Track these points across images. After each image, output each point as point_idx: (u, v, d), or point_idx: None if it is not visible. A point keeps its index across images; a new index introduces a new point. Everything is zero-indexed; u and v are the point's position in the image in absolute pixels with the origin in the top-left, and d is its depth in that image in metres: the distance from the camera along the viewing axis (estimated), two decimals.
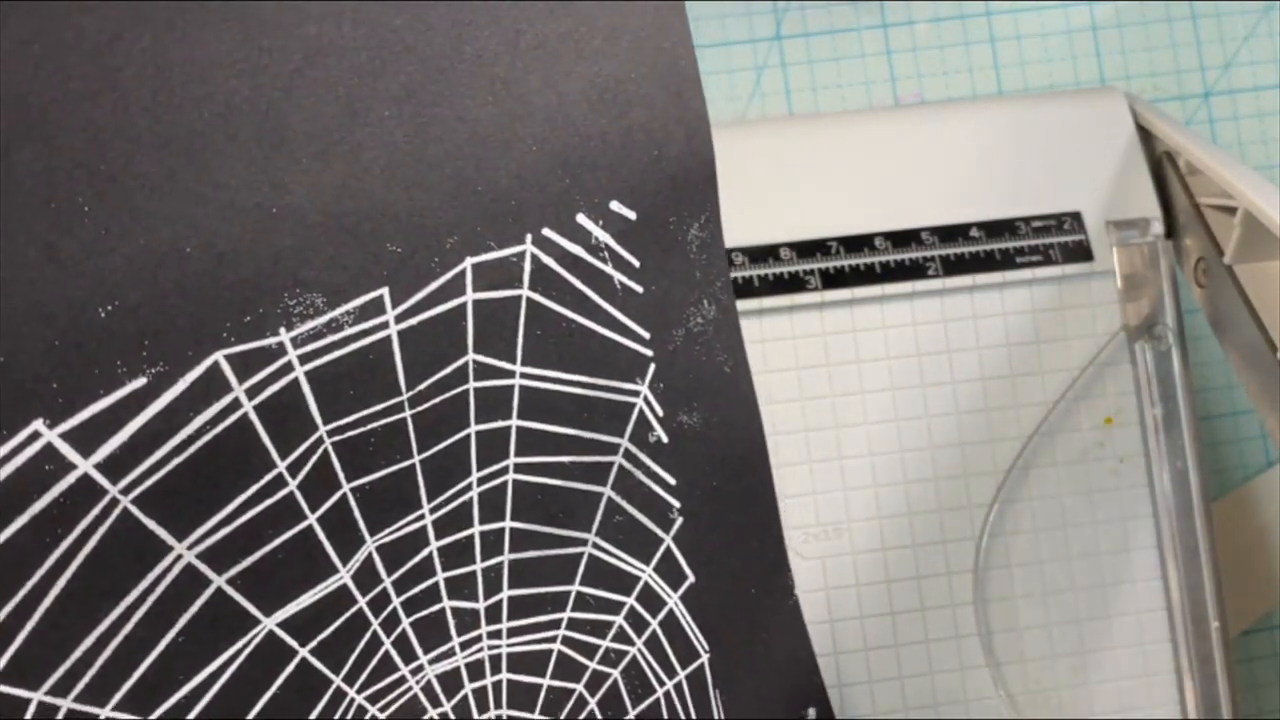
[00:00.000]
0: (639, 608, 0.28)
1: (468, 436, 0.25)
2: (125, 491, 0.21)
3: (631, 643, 0.28)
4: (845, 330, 0.32)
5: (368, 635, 0.25)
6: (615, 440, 0.27)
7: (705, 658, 0.29)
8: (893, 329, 0.32)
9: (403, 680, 0.26)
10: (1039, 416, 0.32)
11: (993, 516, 0.32)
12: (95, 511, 0.21)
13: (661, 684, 0.29)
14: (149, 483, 0.22)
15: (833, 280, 0.32)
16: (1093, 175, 0.33)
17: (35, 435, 0.20)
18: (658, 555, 0.28)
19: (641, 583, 0.28)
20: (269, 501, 0.23)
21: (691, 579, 0.29)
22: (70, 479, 0.21)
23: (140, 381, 0.21)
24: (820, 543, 0.31)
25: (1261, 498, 0.36)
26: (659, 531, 0.28)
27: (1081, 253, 0.32)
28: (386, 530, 0.25)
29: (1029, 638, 0.32)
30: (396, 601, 0.26)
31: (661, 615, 0.29)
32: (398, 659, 0.26)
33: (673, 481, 0.28)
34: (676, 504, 0.28)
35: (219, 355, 0.22)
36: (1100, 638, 0.32)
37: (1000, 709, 0.31)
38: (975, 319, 0.32)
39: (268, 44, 0.21)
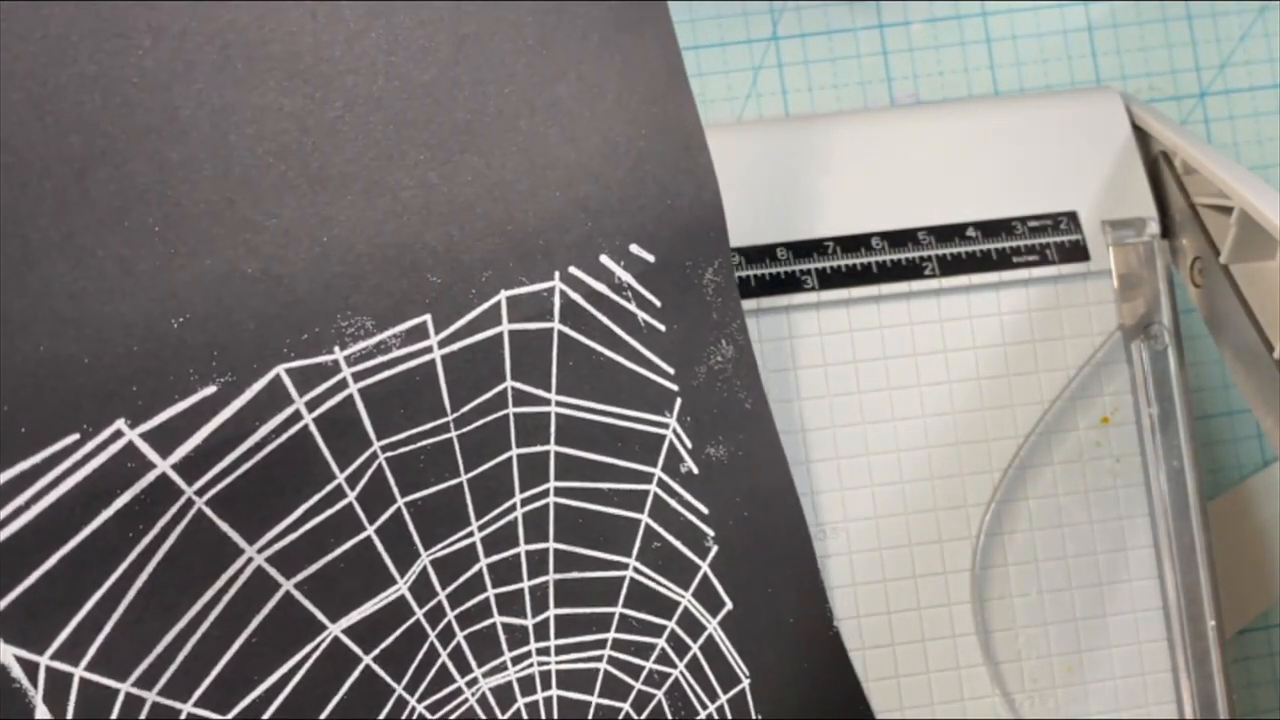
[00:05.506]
0: (680, 631, 0.30)
1: (510, 459, 0.27)
2: (200, 493, 0.23)
3: (674, 665, 0.30)
4: (842, 330, 0.32)
5: (425, 646, 0.27)
6: (649, 469, 0.29)
7: (746, 683, 0.30)
8: (889, 329, 0.32)
9: (459, 692, 0.28)
10: (1035, 416, 0.32)
11: (989, 516, 0.32)
12: (173, 510, 0.23)
13: (704, 706, 0.30)
14: (221, 486, 0.23)
15: (829, 280, 0.32)
16: (1089, 175, 0.33)
17: (118, 434, 0.22)
18: (695, 581, 0.30)
19: (681, 607, 0.29)
20: (330, 511, 0.25)
21: (729, 606, 0.30)
22: (150, 477, 0.22)
23: (211, 389, 0.23)
24: (817, 542, 0.31)
25: (1258, 497, 0.36)
26: (696, 559, 0.29)
27: (1078, 252, 0.32)
28: (439, 545, 0.27)
29: (1026, 637, 0.32)
30: (451, 615, 0.27)
31: (701, 640, 0.30)
32: (454, 670, 0.27)
33: (706, 511, 0.29)
34: (711, 533, 0.30)
35: (280, 369, 0.24)
36: (1097, 637, 0.32)
37: (997, 708, 0.31)
38: (972, 319, 0.32)
39: (310, 90, 0.23)
